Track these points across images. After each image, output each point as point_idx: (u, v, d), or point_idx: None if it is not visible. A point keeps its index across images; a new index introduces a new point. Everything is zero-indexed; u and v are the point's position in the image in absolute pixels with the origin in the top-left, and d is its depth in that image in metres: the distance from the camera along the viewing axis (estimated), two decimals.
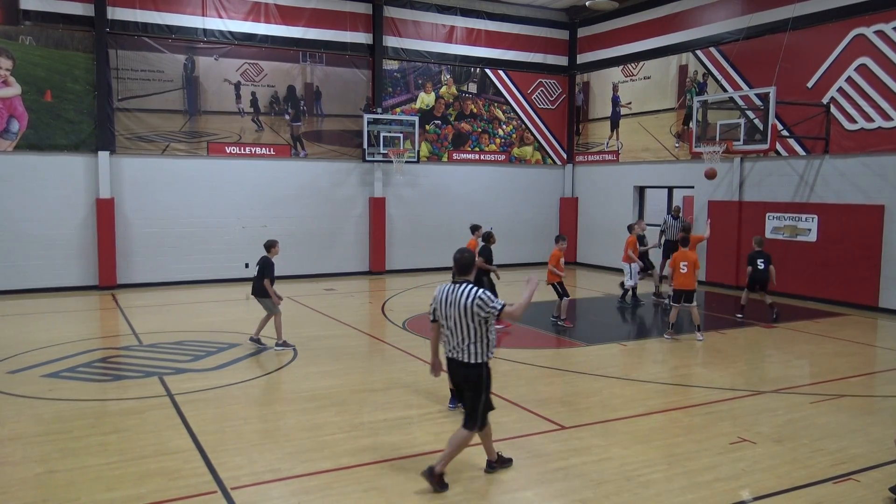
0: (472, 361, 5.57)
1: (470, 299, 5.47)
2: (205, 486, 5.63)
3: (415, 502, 5.39)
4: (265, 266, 10.27)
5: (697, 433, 6.92)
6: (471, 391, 5.64)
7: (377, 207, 19.04)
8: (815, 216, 14.91)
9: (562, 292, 12.38)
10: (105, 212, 15.94)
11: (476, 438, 5.80)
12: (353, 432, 6.89)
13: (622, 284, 15.00)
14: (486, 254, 12.22)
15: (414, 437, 6.77)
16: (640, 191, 20.01)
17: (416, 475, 5.84)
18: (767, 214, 15.84)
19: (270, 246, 10.49)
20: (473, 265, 5.74)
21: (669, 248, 17.15)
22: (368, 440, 6.67)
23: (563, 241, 12.42)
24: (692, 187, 18.21)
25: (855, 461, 6.22)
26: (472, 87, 20.44)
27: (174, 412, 7.47)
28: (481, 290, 5.52)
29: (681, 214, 17.33)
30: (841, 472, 6.00)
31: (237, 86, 17.37)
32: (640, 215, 19.97)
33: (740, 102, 15.36)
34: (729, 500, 5.45)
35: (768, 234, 15.70)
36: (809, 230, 15.02)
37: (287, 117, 18.02)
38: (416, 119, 18.98)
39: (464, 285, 5.58)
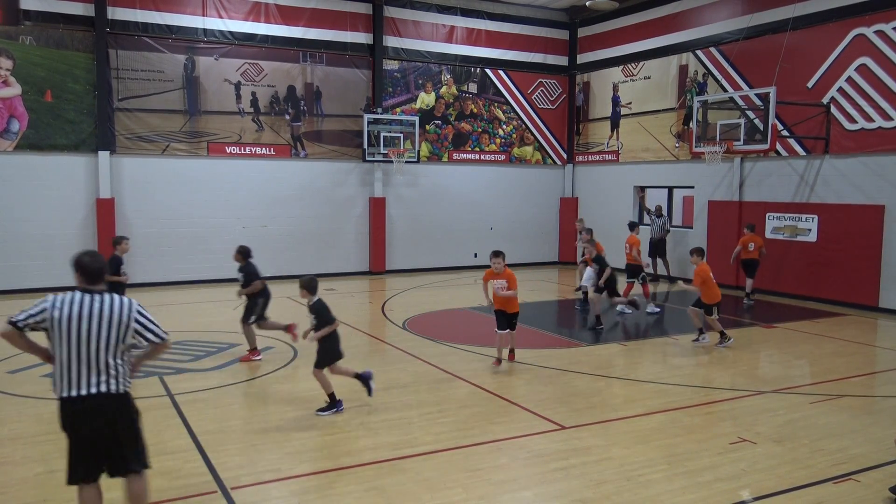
0: (120, 390, 4.45)
1: (126, 312, 4.44)
2: (205, 486, 5.63)
3: (414, 502, 5.40)
4: (108, 262, 9.95)
5: (697, 433, 6.92)
6: (127, 428, 4.55)
7: (377, 207, 19.04)
8: (816, 216, 14.90)
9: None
10: (105, 212, 15.94)
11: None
12: (354, 432, 6.89)
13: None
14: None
15: (414, 436, 6.78)
16: (641, 191, 20.01)
17: (415, 475, 5.85)
18: (767, 214, 15.84)
19: (115, 243, 10.14)
20: (104, 272, 4.54)
21: (653, 247, 17.68)
22: (368, 440, 6.67)
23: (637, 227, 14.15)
24: (692, 187, 18.22)
25: (855, 461, 6.22)
26: (473, 87, 20.44)
27: (174, 412, 7.47)
28: (139, 304, 4.55)
29: (663, 213, 17.66)
30: (841, 472, 6.00)
31: (237, 86, 17.37)
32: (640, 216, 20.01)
33: (740, 102, 15.36)
34: (729, 500, 5.45)
35: (768, 234, 15.70)
36: (809, 230, 15.02)
37: (287, 117, 18.02)
38: (417, 119, 18.98)
39: (106, 295, 4.44)
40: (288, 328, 9.92)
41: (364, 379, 7.69)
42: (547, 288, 17.49)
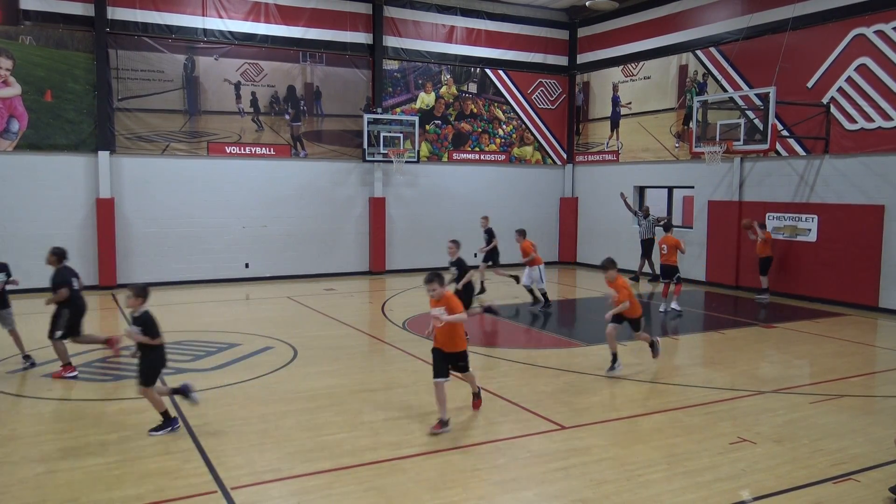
0: None
1: None
2: (205, 486, 5.63)
3: (414, 502, 5.39)
4: None
5: (697, 433, 6.92)
6: None
7: (377, 207, 19.04)
8: (815, 216, 14.90)
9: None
10: (105, 212, 15.94)
11: None
12: (353, 432, 6.89)
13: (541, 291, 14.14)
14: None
15: (414, 436, 6.77)
16: (641, 191, 20.02)
17: (416, 475, 5.85)
18: (767, 214, 15.83)
19: None
20: None
21: (642, 247, 18.00)
22: (368, 440, 6.67)
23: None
24: (692, 187, 18.22)
25: (855, 461, 6.22)
26: (473, 87, 20.44)
27: (174, 412, 7.46)
28: None
29: (651, 214, 17.83)
30: (841, 472, 6.00)
31: (237, 86, 17.37)
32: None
33: (740, 102, 15.36)
34: (729, 500, 5.45)
35: None
36: (809, 230, 15.02)
37: (287, 117, 18.02)
38: (416, 119, 18.98)
39: None
40: (108, 342, 9.15)
41: (183, 392, 7.03)
42: (547, 288, 17.45)
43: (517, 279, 15.03)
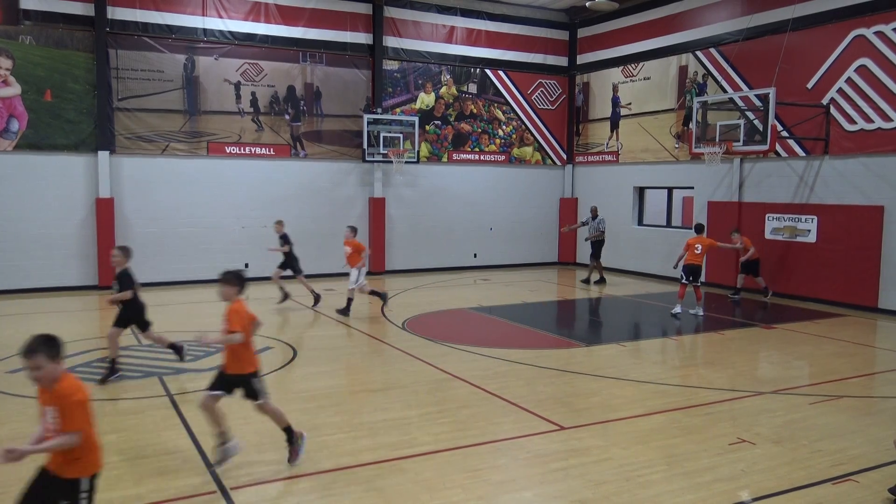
0: None
1: None
2: (205, 486, 5.63)
3: (414, 503, 5.40)
4: None
5: (697, 434, 6.93)
6: None
7: (377, 207, 19.05)
8: (815, 217, 14.91)
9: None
10: (105, 212, 15.94)
11: None
12: (353, 432, 6.90)
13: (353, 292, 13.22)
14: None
15: (413, 437, 6.78)
16: (640, 191, 20.03)
17: (415, 475, 5.85)
18: (767, 215, 15.85)
19: None
20: None
21: (591, 248, 18.03)
22: (368, 440, 6.68)
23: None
24: (692, 188, 18.23)
25: (854, 462, 6.22)
26: (472, 88, 20.44)
27: (174, 412, 7.48)
28: None
29: (598, 214, 17.88)
30: (840, 472, 6.00)
31: (237, 86, 17.37)
32: (640, 215, 20.07)
33: (740, 103, 15.37)
34: (728, 500, 5.46)
35: (768, 235, 15.72)
36: (809, 231, 15.03)
37: (287, 117, 18.02)
38: (416, 119, 18.99)
39: None
40: None
41: None
42: (547, 288, 17.50)
43: (316, 299, 14.06)
